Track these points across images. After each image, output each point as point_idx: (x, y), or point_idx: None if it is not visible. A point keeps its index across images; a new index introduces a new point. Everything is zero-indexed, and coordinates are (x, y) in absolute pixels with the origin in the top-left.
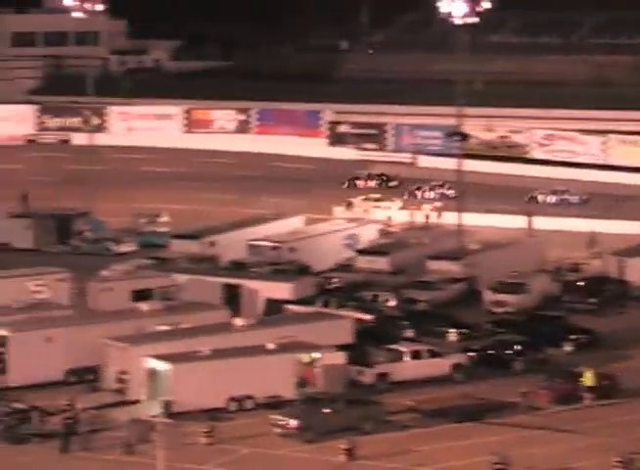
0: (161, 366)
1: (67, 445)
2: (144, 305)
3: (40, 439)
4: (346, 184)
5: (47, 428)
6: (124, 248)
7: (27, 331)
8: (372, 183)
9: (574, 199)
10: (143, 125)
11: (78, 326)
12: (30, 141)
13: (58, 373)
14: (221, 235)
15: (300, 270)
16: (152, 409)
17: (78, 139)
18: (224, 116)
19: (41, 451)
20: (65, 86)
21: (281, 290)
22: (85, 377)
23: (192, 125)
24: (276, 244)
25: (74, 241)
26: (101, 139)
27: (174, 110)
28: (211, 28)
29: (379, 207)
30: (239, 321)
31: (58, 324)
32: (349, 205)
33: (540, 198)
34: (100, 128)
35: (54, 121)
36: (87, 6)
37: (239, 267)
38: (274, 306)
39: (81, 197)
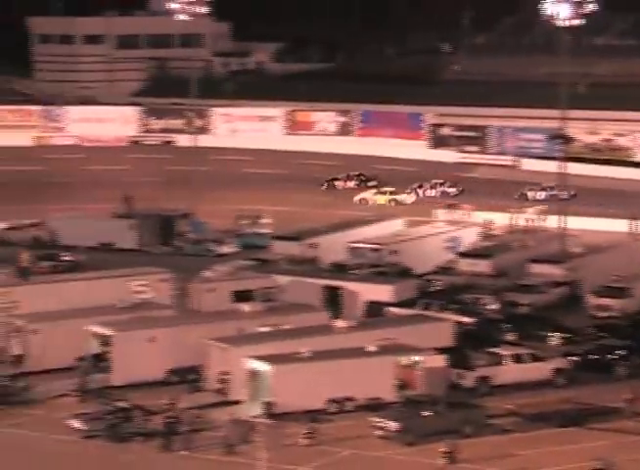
0: (262, 367)
1: (168, 444)
2: (245, 307)
3: (142, 437)
4: (325, 185)
5: (149, 427)
6: (226, 249)
7: (131, 331)
8: (351, 184)
9: (564, 194)
10: (245, 127)
11: (181, 326)
12: (134, 142)
13: (160, 373)
14: (322, 237)
15: (401, 273)
16: (252, 410)
17: (182, 141)
18: (326, 118)
19: (143, 450)
20: (168, 88)
21: (381, 292)
22: (187, 377)
23: (294, 127)
24: (377, 246)
25: (177, 242)
26: (204, 141)
27: (276, 112)
28: (314, 30)
29: (395, 199)
30: (339, 323)
31: (161, 324)
32: (452, 207)
33: (530, 194)
34: (203, 130)
35: (157, 123)
36: (191, 9)
37: (340, 269)
38: (375, 309)
39: (184, 198)
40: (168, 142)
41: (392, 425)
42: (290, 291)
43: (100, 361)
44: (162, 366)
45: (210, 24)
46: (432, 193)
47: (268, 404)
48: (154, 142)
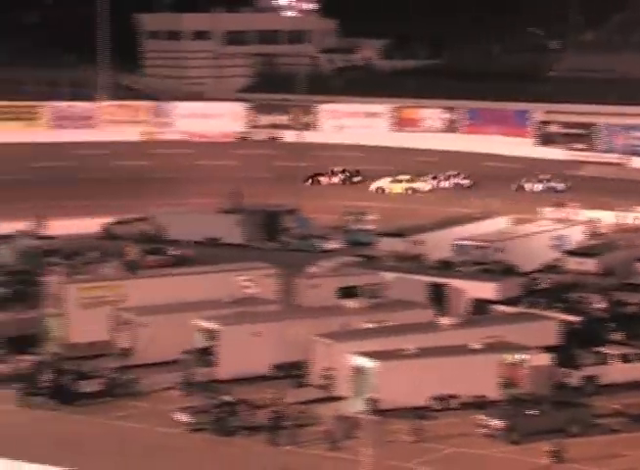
0: (367, 363)
1: (273, 438)
2: (350, 303)
3: (247, 431)
4: (310, 181)
5: (254, 421)
6: (331, 245)
7: (237, 325)
8: (335, 179)
9: (560, 186)
10: (351, 124)
11: (286, 321)
12: (241, 138)
13: (265, 367)
14: (427, 234)
15: (507, 271)
16: (357, 406)
17: (288, 137)
18: (431, 114)
19: (248, 444)
20: (275, 84)
21: (487, 290)
22: (291, 372)
23: (400, 124)
24: (483, 243)
25: (282, 237)
26: (310, 137)
27: (382, 108)
28: (421, 27)
29: (411, 188)
30: (444, 320)
31: (266, 319)
32: (560, 205)
33: (527, 186)
34: (309, 126)
35: (265, 119)
36: (299, 5)
37: (445, 266)
38: (480, 306)
39: (290, 194)
40: (275, 138)
41: (497, 423)
42: (394, 288)
43: (206, 355)
44: (267, 361)
45: (317, 21)
46: (445, 184)
47: (372, 401)
48: (260, 138)
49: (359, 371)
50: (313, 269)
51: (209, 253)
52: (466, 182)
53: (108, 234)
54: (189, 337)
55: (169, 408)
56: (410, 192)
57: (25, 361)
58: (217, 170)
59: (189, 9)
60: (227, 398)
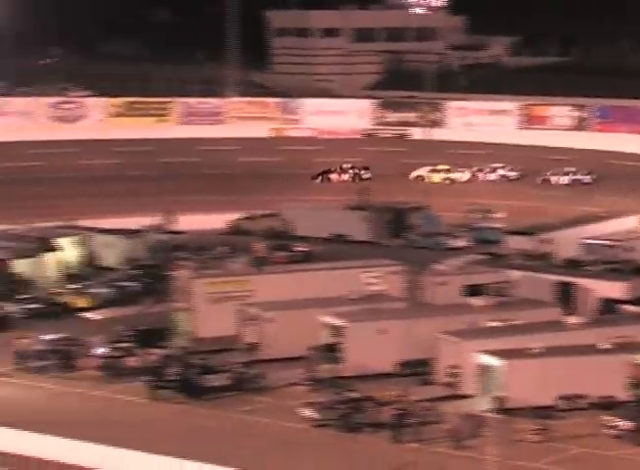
0: (494, 362)
1: (397, 435)
2: (476, 301)
3: (372, 428)
4: (320, 179)
5: (379, 418)
6: (458, 243)
7: (363, 322)
8: (345, 176)
9: (587, 179)
10: (479, 121)
11: (411, 319)
12: (369, 135)
13: (390, 365)
14: (556, 232)
15: (636, 270)
16: (482, 404)
17: (415, 134)
18: (561, 112)
19: (372, 441)
20: (403, 81)
21: (615, 289)
22: (417, 369)
23: (528, 121)
24: (612, 242)
25: (409, 235)
26: (438, 134)
27: (511, 105)
28: (550, 24)
29: (449, 178)
30: (572, 320)
31: (392, 316)
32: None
33: (553, 179)
34: (437, 123)
35: (392, 116)
36: (428, 2)
37: (573, 265)
38: (608, 306)
39: (417, 191)
40: (402, 135)
41: (625, 424)
42: (522, 286)
43: (331, 352)
44: (393, 358)
45: (446, 18)
46: (491, 177)
47: (498, 399)
48: (388, 135)
49: (485, 369)
50: (440, 267)
51: (336, 249)
52: (512, 174)
53: (236, 230)
54: (315, 333)
55: (295, 404)
56: (448, 182)
57: (154, 355)
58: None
59: (318, 6)
60: (353, 394)
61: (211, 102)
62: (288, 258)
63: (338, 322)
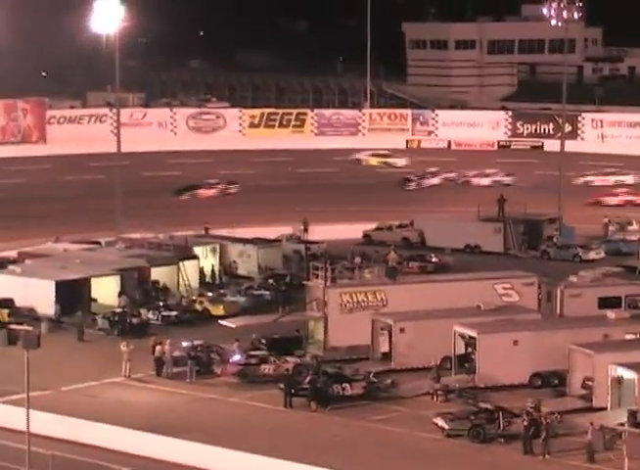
0: (629, 375)
1: (529, 447)
2: (611, 313)
3: (504, 439)
4: (187, 195)
5: (512, 429)
6: (592, 255)
7: (496, 333)
8: (212, 192)
9: None
10: (615, 133)
11: (545, 331)
12: (503, 146)
13: (523, 376)
14: None
15: None
16: (617, 418)
17: (550, 146)
18: None
19: (504, 452)
20: (538, 93)
21: None
22: (550, 381)
23: None
24: None
25: (543, 246)
26: (573, 146)
27: None
28: None
29: (386, 162)
30: None
31: (525, 328)
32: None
33: None
34: (572, 135)
35: (526, 128)
36: (564, 14)
37: None
38: None
39: (551, 203)
40: (537, 147)
41: None
42: None
43: (464, 362)
44: (525, 370)
45: (582, 30)
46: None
47: (634, 413)
48: (522, 146)
49: (620, 382)
50: (574, 279)
51: (469, 260)
52: (507, 179)
53: (370, 240)
54: (448, 343)
55: (428, 413)
56: (385, 165)
57: (288, 363)
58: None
59: (454, 19)
60: (485, 405)
61: (347, 113)
62: (421, 269)
63: (471, 333)
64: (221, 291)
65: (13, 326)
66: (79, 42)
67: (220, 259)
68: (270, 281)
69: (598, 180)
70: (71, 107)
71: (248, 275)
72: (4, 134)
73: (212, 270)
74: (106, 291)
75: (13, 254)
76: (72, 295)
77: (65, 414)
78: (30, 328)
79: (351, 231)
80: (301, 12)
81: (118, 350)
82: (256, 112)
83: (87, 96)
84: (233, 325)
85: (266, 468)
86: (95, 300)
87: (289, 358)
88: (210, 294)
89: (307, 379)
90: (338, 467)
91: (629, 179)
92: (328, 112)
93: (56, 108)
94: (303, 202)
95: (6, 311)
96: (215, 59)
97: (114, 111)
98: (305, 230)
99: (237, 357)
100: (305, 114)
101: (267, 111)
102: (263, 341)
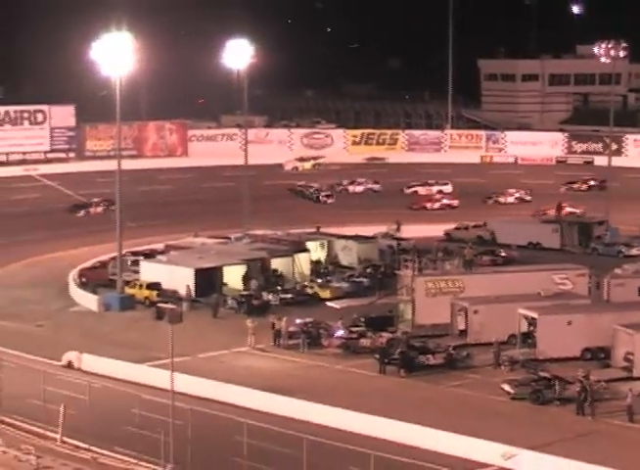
0: None
1: (581, 409)
2: None
3: (559, 402)
4: (82, 212)
5: (566, 394)
6: (634, 251)
7: (553, 315)
8: (99, 209)
9: None
10: None
11: (594, 313)
12: (560, 162)
13: (575, 350)
14: None
15: None
16: None
17: (599, 161)
18: None
19: (559, 412)
20: (589, 118)
21: None
22: (598, 355)
23: None
24: None
25: (593, 244)
26: (618, 161)
27: None
28: None
29: (318, 163)
30: None
31: (577, 311)
32: None
33: None
34: (617, 153)
35: (579, 146)
36: (611, 52)
37: None
38: None
39: (601, 208)
40: (588, 162)
41: None
42: None
43: (527, 338)
44: (577, 345)
45: (627, 65)
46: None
47: None
48: (576, 162)
49: None
50: (618, 271)
51: (531, 255)
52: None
53: (450, 238)
54: (513, 323)
55: (496, 380)
56: (317, 167)
57: (382, 337)
58: (540, 188)
59: (521, 56)
60: (544, 373)
61: (432, 133)
62: (492, 262)
63: (532, 314)
64: (328, 278)
65: (160, 305)
66: (216, 75)
67: (327, 252)
68: (368, 270)
69: None
70: (208, 127)
71: (349, 266)
72: (154, 149)
73: (321, 261)
74: (235, 277)
75: (161, 246)
76: (208, 280)
77: (201, 376)
78: (174, 306)
79: (435, 230)
80: (396, 51)
81: (245, 325)
82: (358, 132)
83: (221, 119)
84: (337, 306)
85: (365, 423)
86: (226, 284)
87: (383, 334)
88: (319, 280)
89: (398, 351)
90: (423, 423)
91: None
92: (416, 132)
93: (196, 128)
94: (396, 206)
95: (155, 293)
96: (325, 89)
97: (243, 131)
98: (398, 229)
99: (340, 332)
100: (398, 134)
101: (367, 131)
102: (362, 319)
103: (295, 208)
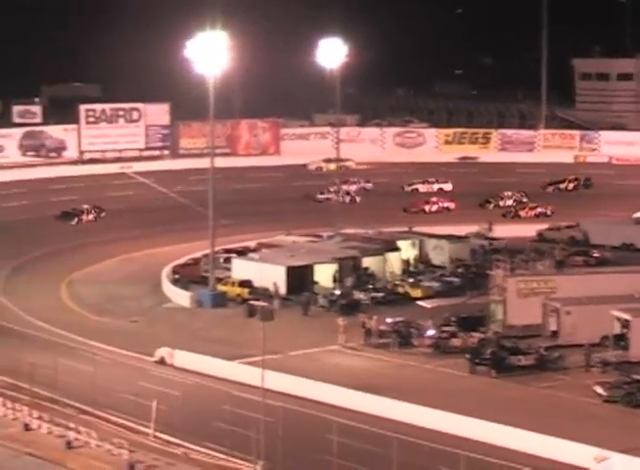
0: None
1: None
2: None
3: None
4: (75, 220)
5: None
6: None
7: None
8: (90, 217)
9: None
10: None
11: None
12: None
13: None
14: None
15: None
16: None
17: None
18: None
19: None
20: None
21: None
22: None
23: None
24: None
25: None
26: None
27: None
28: None
29: (344, 166)
30: None
31: None
32: None
33: None
34: None
35: None
36: None
37: None
38: None
39: None
40: None
41: None
42: None
43: (620, 340)
44: None
45: None
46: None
47: None
48: None
49: None
50: None
51: (625, 256)
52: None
53: (542, 238)
54: (606, 325)
55: (588, 382)
56: (343, 169)
57: (473, 337)
58: (634, 188)
59: (616, 55)
60: (637, 376)
61: (525, 133)
62: (585, 262)
63: (626, 316)
64: (419, 277)
65: (252, 302)
66: (309, 73)
67: (418, 252)
68: (459, 270)
69: None
70: (301, 126)
71: (441, 265)
72: (247, 148)
73: (412, 260)
74: (326, 275)
75: (252, 244)
76: (299, 278)
77: (292, 374)
78: (266, 304)
79: (528, 230)
80: (489, 49)
81: (336, 323)
82: (450, 131)
83: (313, 117)
84: (428, 305)
85: (455, 423)
86: (317, 282)
87: (474, 334)
88: (410, 279)
89: (489, 351)
90: (513, 424)
91: None
92: (509, 131)
93: (288, 127)
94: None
95: (246, 290)
96: (417, 88)
97: (335, 129)
98: (490, 229)
99: (431, 332)
100: (490, 133)
101: (459, 130)
102: (453, 319)
103: (389, 205)
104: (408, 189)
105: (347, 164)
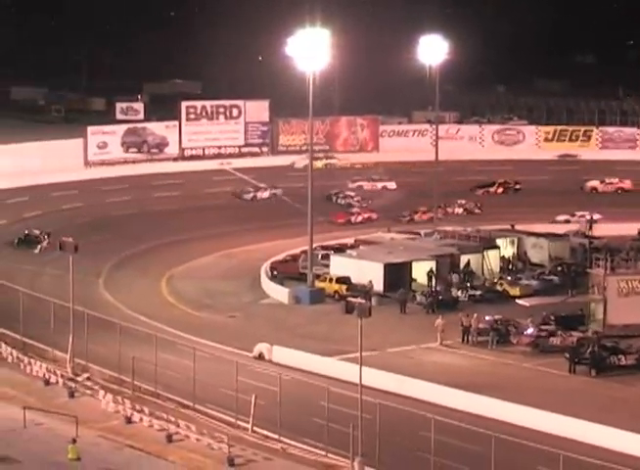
0: None
1: None
2: None
3: None
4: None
5: None
6: None
7: None
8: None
9: None
10: None
11: None
12: None
13: None
14: None
15: None
16: None
17: None
18: None
19: None
20: None
21: None
22: None
23: None
24: None
25: None
26: None
27: None
28: None
29: (330, 163)
30: None
31: None
32: None
33: None
34: None
35: None
36: None
37: None
38: None
39: None
40: None
41: None
42: None
43: None
44: None
45: None
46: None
47: None
48: None
49: None
50: None
51: None
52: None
53: None
54: None
55: None
56: (328, 166)
57: (573, 337)
58: None
59: None
60: None
61: (627, 130)
62: None
63: None
64: (518, 275)
65: (349, 299)
66: (408, 70)
67: (517, 250)
68: (559, 268)
69: None
70: (400, 123)
71: (540, 263)
72: (345, 145)
73: (511, 258)
74: (423, 273)
75: (351, 240)
76: (397, 275)
77: (389, 371)
78: (363, 301)
79: (629, 229)
80: (591, 47)
81: (433, 321)
82: (550, 128)
83: (412, 114)
84: (527, 304)
85: (554, 422)
86: (415, 280)
87: (573, 333)
88: (509, 277)
89: (589, 350)
90: (613, 424)
91: None
92: (611, 129)
93: (387, 124)
94: (581, 203)
95: (344, 287)
96: (517, 85)
97: (434, 127)
98: (590, 227)
99: (530, 330)
100: (591, 130)
101: (559, 128)
102: (552, 317)
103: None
104: (353, 186)
105: (333, 161)
